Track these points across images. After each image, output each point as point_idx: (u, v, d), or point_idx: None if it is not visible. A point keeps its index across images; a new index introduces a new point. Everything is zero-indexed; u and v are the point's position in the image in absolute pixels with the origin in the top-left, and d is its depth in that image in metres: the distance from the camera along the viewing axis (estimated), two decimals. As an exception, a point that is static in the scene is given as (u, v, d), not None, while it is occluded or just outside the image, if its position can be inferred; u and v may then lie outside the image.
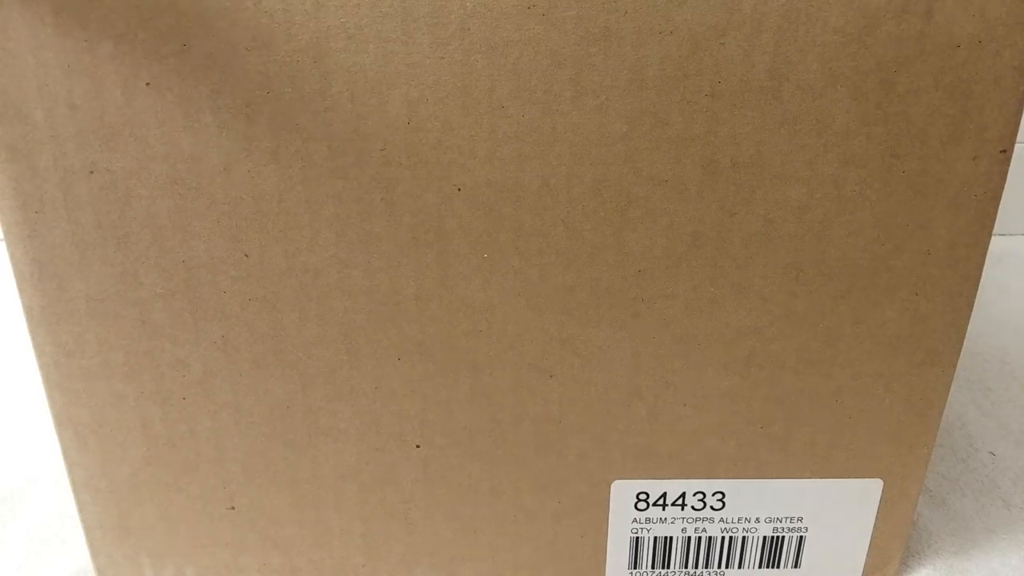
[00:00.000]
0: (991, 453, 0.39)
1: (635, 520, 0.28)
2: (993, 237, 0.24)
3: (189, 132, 0.22)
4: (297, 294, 0.24)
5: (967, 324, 0.25)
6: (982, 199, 0.23)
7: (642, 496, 0.28)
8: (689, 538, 0.29)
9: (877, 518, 0.28)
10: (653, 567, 0.29)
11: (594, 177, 0.23)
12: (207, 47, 0.21)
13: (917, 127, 0.22)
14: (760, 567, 0.29)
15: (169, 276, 0.24)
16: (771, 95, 0.22)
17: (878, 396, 0.26)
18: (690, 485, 0.27)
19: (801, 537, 0.29)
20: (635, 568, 0.29)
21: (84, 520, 0.28)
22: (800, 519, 0.28)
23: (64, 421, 0.26)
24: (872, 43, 0.21)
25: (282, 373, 0.25)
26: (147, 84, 0.21)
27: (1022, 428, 0.41)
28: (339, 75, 0.21)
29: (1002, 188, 0.23)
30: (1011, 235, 0.66)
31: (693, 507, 0.28)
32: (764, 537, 0.29)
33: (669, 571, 0.29)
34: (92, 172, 0.22)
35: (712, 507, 0.28)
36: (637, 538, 0.28)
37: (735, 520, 0.28)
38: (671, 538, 0.29)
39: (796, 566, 0.29)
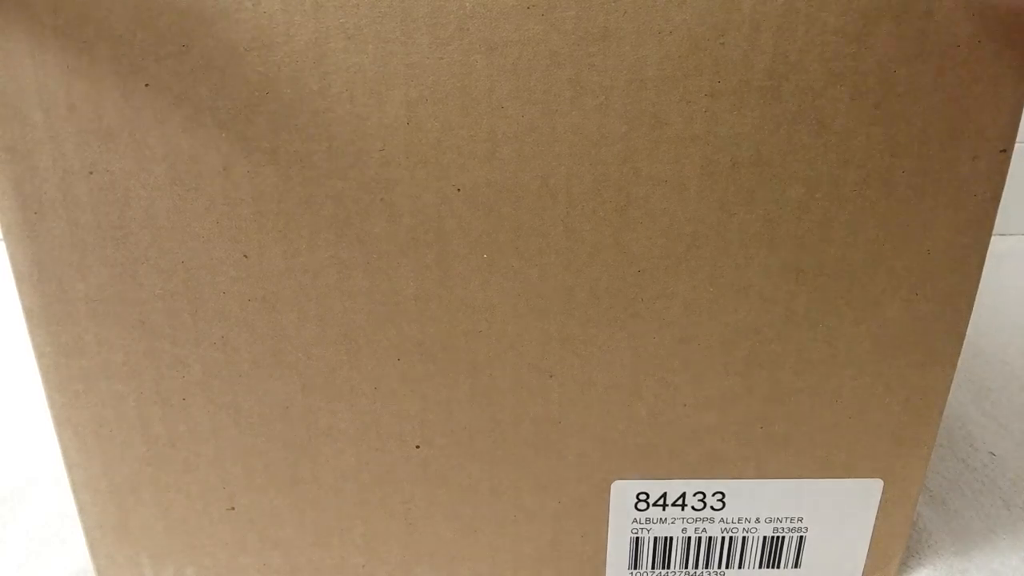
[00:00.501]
0: (991, 453, 0.39)
1: (635, 520, 0.28)
2: (993, 237, 0.24)
3: (188, 133, 0.22)
4: (296, 294, 0.24)
5: (967, 324, 0.25)
6: (982, 199, 0.23)
7: (642, 496, 0.28)
8: (689, 538, 0.29)
9: (877, 518, 0.28)
10: (653, 567, 0.29)
11: (594, 177, 0.23)
12: (206, 48, 0.21)
13: (917, 127, 0.22)
14: (760, 567, 0.29)
15: (168, 277, 0.24)
16: (771, 95, 0.22)
17: (878, 396, 0.26)
18: (690, 485, 0.27)
19: (801, 537, 0.29)
20: (635, 568, 0.29)
21: (84, 520, 0.28)
22: (800, 519, 0.28)
23: (64, 421, 0.26)
24: (872, 43, 0.21)
25: (282, 374, 0.25)
26: (146, 85, 0.21)
27: (1022, 428, 0.41)
28: (338, 75, 0.21)
29: (1002, 188, 0.23)
30: (1011, 235, 0.66)
31: (693, 507, 0.28)
32: (764, 537, 0.29)
33: (669, 571, 0.29)
34: (91, 173, 0.22)
35: (712, 507, 0.28)
36: (637, 538, 0.28)
37: (735, 520, 0.28)
38: (671, 538, 0.29)
39: (796, 566, 0.29)
